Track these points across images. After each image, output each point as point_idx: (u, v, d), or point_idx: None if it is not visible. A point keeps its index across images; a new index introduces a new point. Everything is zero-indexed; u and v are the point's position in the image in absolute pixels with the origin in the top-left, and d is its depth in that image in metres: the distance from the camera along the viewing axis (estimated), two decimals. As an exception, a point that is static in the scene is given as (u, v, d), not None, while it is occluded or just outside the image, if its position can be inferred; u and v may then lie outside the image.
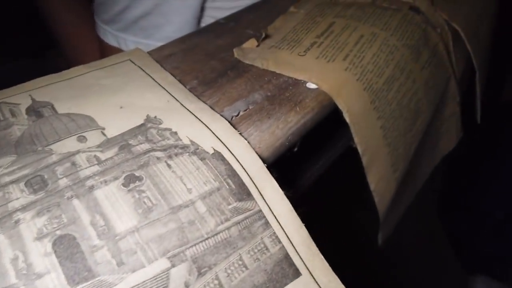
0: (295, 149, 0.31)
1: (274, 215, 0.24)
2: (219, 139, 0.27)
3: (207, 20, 0.53)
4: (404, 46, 0.41)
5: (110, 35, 0.53)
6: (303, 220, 0.25)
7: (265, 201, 0.25)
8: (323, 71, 0.34)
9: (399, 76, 0.39)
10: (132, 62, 0.35)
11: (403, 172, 0.42)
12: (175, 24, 0.49)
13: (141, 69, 0.34)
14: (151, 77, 0.33)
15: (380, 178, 0.38)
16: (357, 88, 0.35)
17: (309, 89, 0.33)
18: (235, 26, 0.42)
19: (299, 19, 0.43)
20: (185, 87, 0.32)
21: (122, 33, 0.52)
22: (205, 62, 0.36)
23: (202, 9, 0.51)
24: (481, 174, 0.99)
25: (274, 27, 0.42)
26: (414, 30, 0.43)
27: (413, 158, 0.44)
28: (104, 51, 0.57)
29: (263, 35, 0.39)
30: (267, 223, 0.24)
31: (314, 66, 0.35)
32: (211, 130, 0.27)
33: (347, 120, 0.33)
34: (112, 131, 0.27)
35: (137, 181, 0.23)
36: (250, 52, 0.37)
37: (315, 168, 0.36)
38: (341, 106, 0.33)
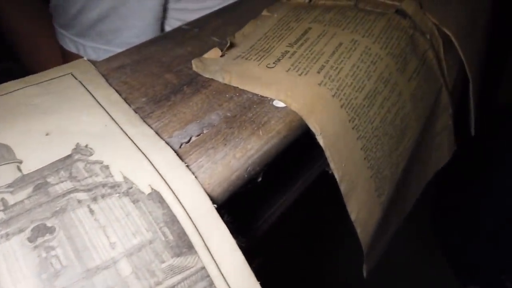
0: (259, 179, 0.27)
1: (222, 273, 0.20)
2: (159, 174, 0.22)
3: (172, 23, 0.48)
4: (389, 55, 0.36)
5: (68, 41, 0.48)
6: (262, 273, 0.21)
7: (211, 254, 0.20)
8: (293, 87, 0.30)
9: (383, 89, 0.35)
10: (74, 77, 0.31)
11: (390, 196, 0.38)
12: (135, 28, 0.44)
13: (82, 84, 0.30)
14: (91, 94, 0.28)
15: (362, 206, 0.34)
16: (333, 105, 0.30)
17: (277, 108, 0.28)
18: (200, 33, 0.37)
19: (271, 25, 0.38)
20: (130, 106, 0.27)
21: (80, 39, 0.47)
22: (159, 75, 0.31)
23: (165, 10, 0.46)
24: (474, 182, 0.95)
25: (243, 33, 0.37)
26: (400, 37, 0.38)
27: (401, 178, 0.40)
28: (65, 58, 0.52)
29: (228, 43, 0.34)
30: (211, 285, 0.19)
31: (283, 80, 0.30)
32: (151, 163, 0.23)
33: (321, 143, 0.29)
34: (30, 165, 0.22)
35: (47, 234, 0.19)
36: (212, 63, 0.33)
37: (285, 198, 0.32)
38: (313, 127, 0.28)
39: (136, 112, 0.27)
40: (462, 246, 1.00)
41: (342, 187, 0.31)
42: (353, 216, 0.33)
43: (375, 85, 0.34)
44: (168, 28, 0.49)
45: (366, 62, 0.34)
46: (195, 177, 0.22)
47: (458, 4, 0.45)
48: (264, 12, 0.40)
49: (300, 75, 0.31)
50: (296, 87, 0.30)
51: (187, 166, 0.23)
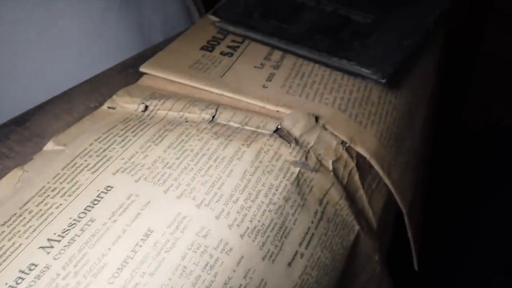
0: None
1: None
2: None
3: None
4: (248, 235, 0.20)
5: None
6: None
7: None
8: None
9: (229, 316, 0.19)
10: None
11: None
12: None
13: None
14: None
15: None
16: None
17: None
18: None
19: (48, 178, 0.22)
20: None
21: None
22: None
23: None
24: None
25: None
26: (276, 186, 0.23)
27: None
28: None
29: None
30: None
31: None
32: None
33: None
34: None
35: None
36: None
37: None
38: None
39: None
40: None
41: None
42: None
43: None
44: None
45: (195, 270, 0.18)
46: None
47: (380, 108, 0.30)
48: (50, 146, 0.24)
49: None
50: None
51: None
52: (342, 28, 0.33)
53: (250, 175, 0.22)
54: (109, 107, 0.27)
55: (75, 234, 0.19)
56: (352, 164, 0.27)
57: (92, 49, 0.38)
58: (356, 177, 0.28)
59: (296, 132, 0.25)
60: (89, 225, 0.19)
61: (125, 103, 0.27)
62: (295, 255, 0.22)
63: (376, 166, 0.28)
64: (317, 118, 0.26)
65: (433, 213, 0.67)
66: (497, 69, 0.80)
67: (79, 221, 0.19)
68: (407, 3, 0.37)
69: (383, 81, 0.29)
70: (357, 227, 0.27)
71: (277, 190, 0.23)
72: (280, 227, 0.22)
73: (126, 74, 0.30)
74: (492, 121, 0.89)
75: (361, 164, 0.28)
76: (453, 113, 0.86)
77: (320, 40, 0.32)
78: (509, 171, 0.80)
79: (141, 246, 0.18)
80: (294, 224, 0.23)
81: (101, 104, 0.27)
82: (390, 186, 0.28)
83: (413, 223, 0.32)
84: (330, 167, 0.26)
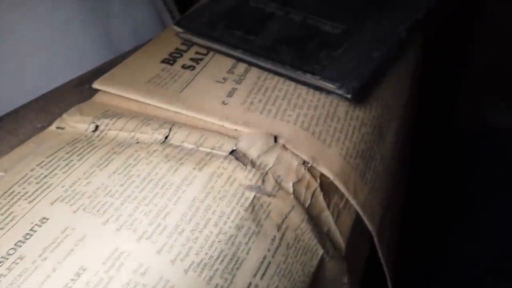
0: None
1: None
2: None
3: None
4: (195, 268, 0.19)
5: None
6: None
7: None
8: None
9: None
10: None
11: None
12: None
13: None
14: None
15: None
16: None
17: None
18: None
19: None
20: None
21: None
22: None
23: None
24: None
25: None
26: (228, 214, 0.21)
27: None
28: None
29: None
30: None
31: None
32: None
33: None
34: None
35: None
36: None
37: None
38: None
39: None
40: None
41: None
42: None
43: None
44: None
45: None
46: None
47: (345, 117, 0.28)
48: (-14, 171, 0.22)
49: None
50: None
51: None
52: (310, 39, 0.32)
53: (199, 202, 0.21)
54: (58, 127, 0.26)
55: (1, 274, 0.17)
56: (315, 185, 0.26)
57: (54, 60, 0.37)
58: (321, 197, 0.26)
59: (253, 153, 0.24)
60: (18, 263, 0.18)
61: (75, 123, 0.26)
62: (248, 287, 0.21)
63: (341, 187, 0.26)
64: (276, 138, 0.25)
65: (424, 219, 0.66)
66: (490, 71, 0.79)
67: (8, 259, 0.18)
68: (380, 12, 0.35)
69: (349, 96, 0.28)
70: (321, 251, 0.26)
71: (228, 218, 0.21)
72: (231, 258, 0.21)
73: (81, 90, 0.29)
74: (485, 122, 0.88)
75: (326, 183, 0.27)
76: (446, 116, 0.85)
77: (285, 52, 0.30)
78: (503, 172, 0.79)
79: (70, 287, 0.17)
80: (247, 253, 0.21)
81: (50, 124, 0.26)
82: (356, 207, 0.27)
83: (384, 242, 0.31)
84: (291, 190, 0.24)
